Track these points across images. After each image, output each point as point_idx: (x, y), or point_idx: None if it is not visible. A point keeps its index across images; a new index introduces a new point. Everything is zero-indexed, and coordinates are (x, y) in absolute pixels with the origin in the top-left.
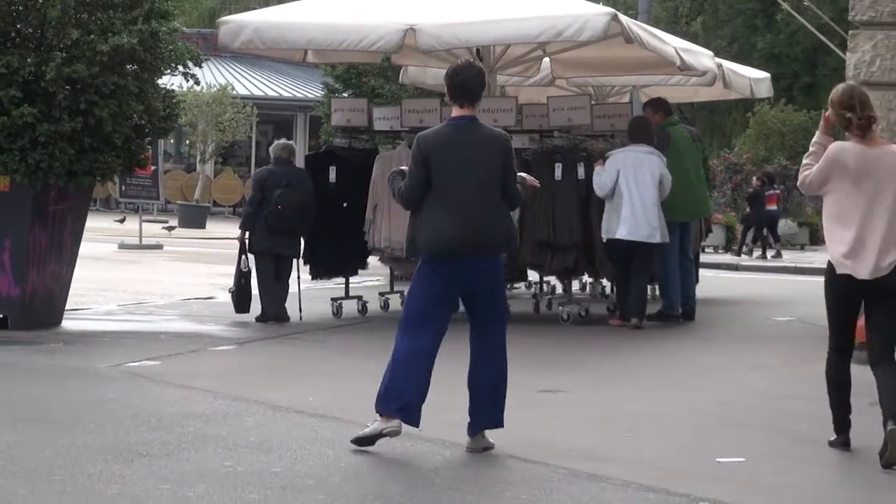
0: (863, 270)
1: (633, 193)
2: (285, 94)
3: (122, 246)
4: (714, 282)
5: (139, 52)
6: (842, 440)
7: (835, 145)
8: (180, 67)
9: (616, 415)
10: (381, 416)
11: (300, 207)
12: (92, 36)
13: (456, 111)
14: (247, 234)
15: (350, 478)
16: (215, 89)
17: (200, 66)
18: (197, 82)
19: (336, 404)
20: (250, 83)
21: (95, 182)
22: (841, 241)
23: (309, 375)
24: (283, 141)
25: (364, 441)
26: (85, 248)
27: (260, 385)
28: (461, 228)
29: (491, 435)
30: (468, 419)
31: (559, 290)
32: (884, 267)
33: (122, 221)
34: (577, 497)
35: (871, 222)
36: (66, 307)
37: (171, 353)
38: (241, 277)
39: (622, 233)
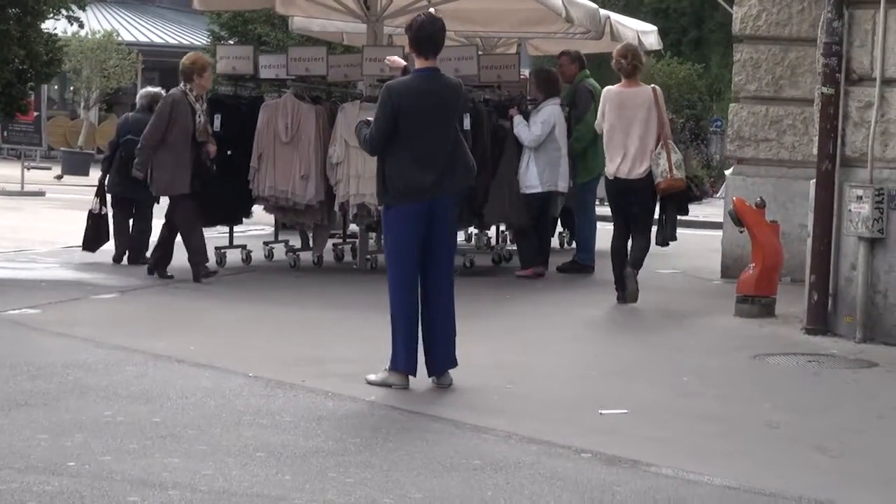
0: (623, 172)
1: (567, 147)
2: (172, 41)
3: (3, 193)
4: (601, 234)
5: None
6: (621, 295)
7: (605, 89)
8: (63, 11)
9: (500, 366)
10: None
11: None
12: None
13: (420, 62)
14: (106, 177)
15: (231, 428)
16: (100, 35)
17: (84, 10)
18: (81, 26)
19: (217, 354)
20: (136, 29)
21: None
22: (611, 156)
23: (191, 325)
24: (146, 88)
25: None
26: None
27: (142, 334)
28: (429, 171)
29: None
30: (428, 359)
31: None
32: (639, 172)
33: (59, 178)
34: (458, 447)
35: (628, 141)
36: None
37: (52, 301)
38: (90, 218)
39: (563, 186)
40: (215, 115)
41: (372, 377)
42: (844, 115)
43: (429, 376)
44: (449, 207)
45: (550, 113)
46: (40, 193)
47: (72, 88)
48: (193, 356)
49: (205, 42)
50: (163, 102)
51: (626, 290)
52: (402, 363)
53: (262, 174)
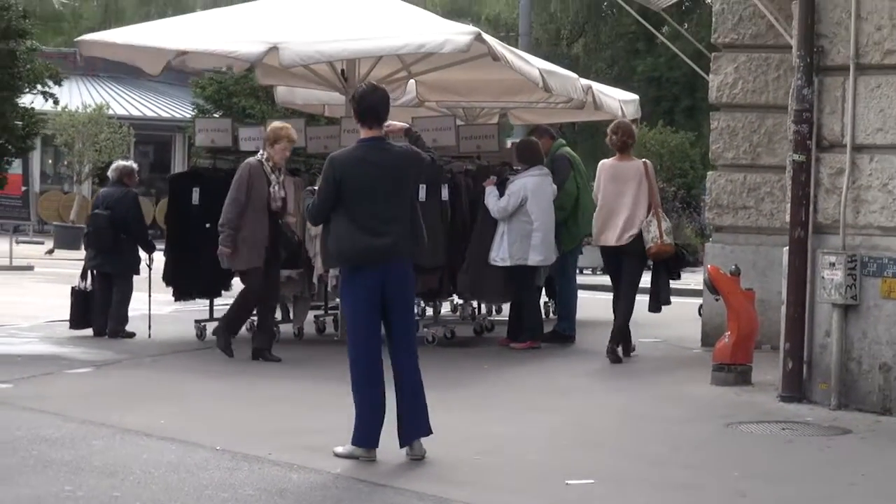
0: (612, 240)
1: (542, 219)
2: (164, 114)
3: None
4: (590, 303)
5: None
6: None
7: (601, 163)
8: (39, 87)
9: (471, 438)
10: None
11: (107, 227)
12: None
13: (365, 132)
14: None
15: (190, 502)
16: (91, 109)
17: (60, 85)
18: (56, 102)
19: (186, 427)
20: (128, 103)
21: None
22: (601, 224)
23: (163, 398)
24: (117, 161)
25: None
26: None
27: (112, 408)
28: (369, 238)
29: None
30: (399, 430)
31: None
32: (625, 238)
33: (51, 252)
34: None
35: (617, 209)
36: None
37: (25, 376)
38: (73, 295)
39: (536, 259)
40: (193, 189)
41: (339, 449)
42: (816, 181)
43: (400, 447)
44: (404, 274)
45: (522, 185)
46: (29, 268)
47: (65, 162)
48: (162, 430)
49: (190, 115)
50: (239, 171)
51: (609, 350)
52: (361, 437)
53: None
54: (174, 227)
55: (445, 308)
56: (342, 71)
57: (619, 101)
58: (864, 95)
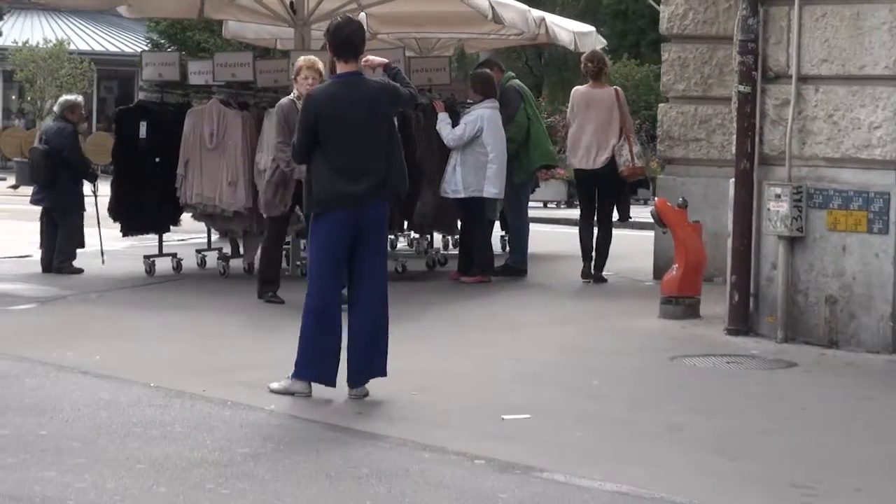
0: (587, 163)
1: (497, 151)
2: (127, 49)
3: None
4: (550, 236)
5: None
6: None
7: (574, 89)
8: None
9: (410, 373)
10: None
11: (42, 162)
12: None
13: (341, 67)
14: None
15: (117, 440)
16: (51, 44)
17: (2, 19)
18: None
19: (122, 364)
20: (90, 38)
21: None
22: (576, 149)
23: (105, 334)
24: (62, 97)
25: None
26: None
27: (50, 345)
28: (354, 180)
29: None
30: (349, 368)
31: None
32: (599, 161)
33: (15, 188)
34: (349, 456)
35: (590, 134)
36: None
37: None
38: None
39: (491, 191)
40: (141, 123)
41: (275, 385)
42: (762, 113)
43: (349, 387)
44: (379, 217)
45: (479, 115)
46: None
47: (28, 98)
48: (98, 367)
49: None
50: (275, 115)
51: (592, 273)
52: (305, 371)
53: (189, 181)
54: (121, 161)
55: (402, 243)
56: (291, 4)
57: (573, 32)
58: (809, 25)
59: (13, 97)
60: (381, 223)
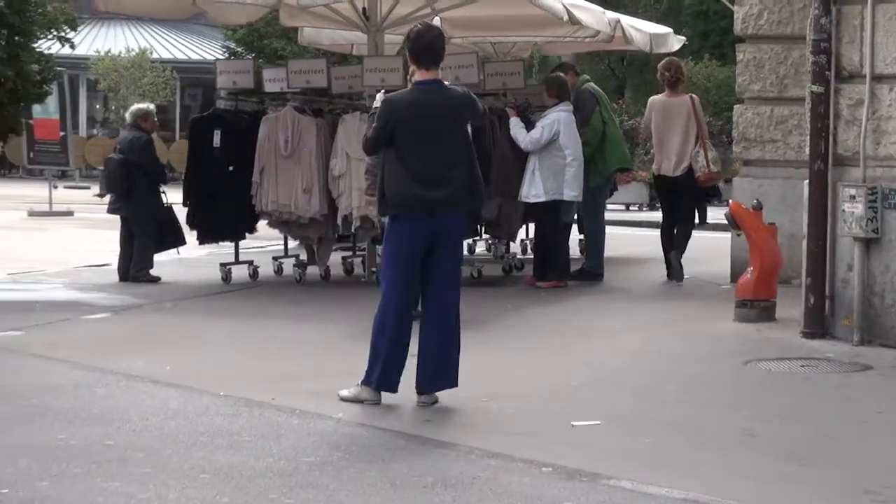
0: (667, 170)
1: (574, 154)
2: (209, 57)
3: (32, 213)
4: (630, 239)
5: (7, 15)
6: (670, 273)
7: (651, 99)
8: (54, 31)
9: (480, 379)
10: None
11: (118, 171)
12: None
13: (421, 74)
14: None
15: (182, 450)
16: (133, 53)
17: (75, 31)
18: (73, 47)
19: (192, 373)
20: (172, 46)
21: None
22: (657, 156)
23: (175, 344)
24: (133, 105)
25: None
26: None
27: (122, 354)
28: (430, 187)
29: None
30: (419, 375)
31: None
32: (679, 170)
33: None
34: (415, 464)
35: (668, 142)
36: None
37: (40, 323)
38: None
39: (571, 194)
40: (215, 132)
41: (344, 392)
42: (835, 113)
43: (417, 394)
44: (455, 227)
45: (555, 119)
46: (69, 213)
47: (112, 107)
48: (168, 376)
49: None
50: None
51: (672, 269)
52: (376, 379)
53: (265, 189)
54: (195, 170)
55: (481, 247)
56: (363, 9)
57: (649, 34)
58: (882, 24)
59: (97, 106)
60: (457, 234)
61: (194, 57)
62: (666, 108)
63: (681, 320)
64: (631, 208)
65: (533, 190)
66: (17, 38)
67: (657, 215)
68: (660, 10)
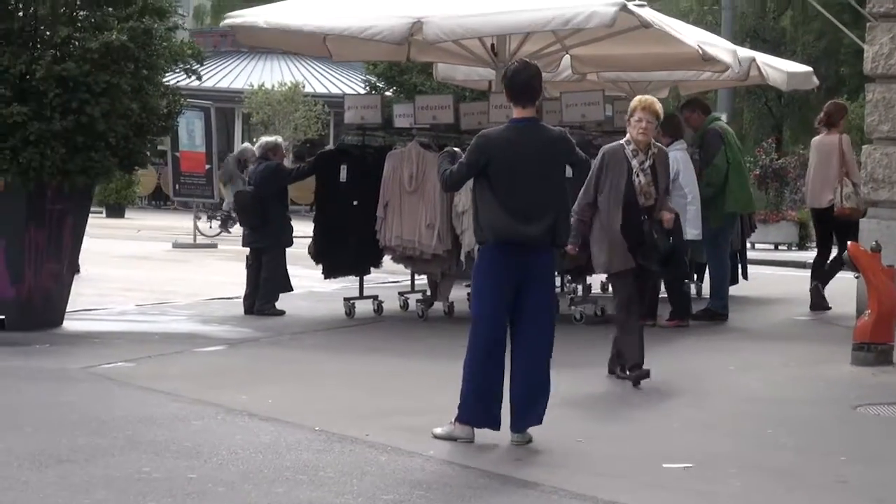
0: (816, 203)
1: (694, 192)
2: (362, 90)
3: (176, 245)
4: (773, 279)
5: (132, 49)
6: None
7: (813, 140)
8: (181, 64)
9: (578, 419)
10: (457, 422)
11: (248, 204)
12: (83, 34)
13: (517, 112)
14: None
15: (264, 484)
16: (286, 87)
17: (202, 64)
18: (199, 79)
19: (294, 407)
20: (326, 80)
21: (91, 181)
22: (809, 190)
23: (283, 378)
24: (262, 138)
25: (441, 438)
26: (139, 247)
27: (227, 387)
28: (523, 223)
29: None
30: (511, 413)
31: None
32: (825, 202)
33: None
34: None
35: (818, 178)
36: (84, 307)
37: (153, 355)
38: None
39: (692, 233)
40: (341, 166)
41: (438, 430)
42: None
43: (511, 433)
44: (546, 263)
45: (673, 158)
46: (212, 245)
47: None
48: (268, 410)
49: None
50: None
51: (812, 300)
52: (468, 415)
53: (389, 223)
54: (322, 203)
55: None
56: (492, 46)
57: (786, 72)
58: None
59: (253, 140)
60: (549, 269)
61: (347, 91)
62: (818, 147)
63: (796, 362)
64: (780, 248)
65: None
66: (143, 71)
67: (806, 255)
68: (819, 48)
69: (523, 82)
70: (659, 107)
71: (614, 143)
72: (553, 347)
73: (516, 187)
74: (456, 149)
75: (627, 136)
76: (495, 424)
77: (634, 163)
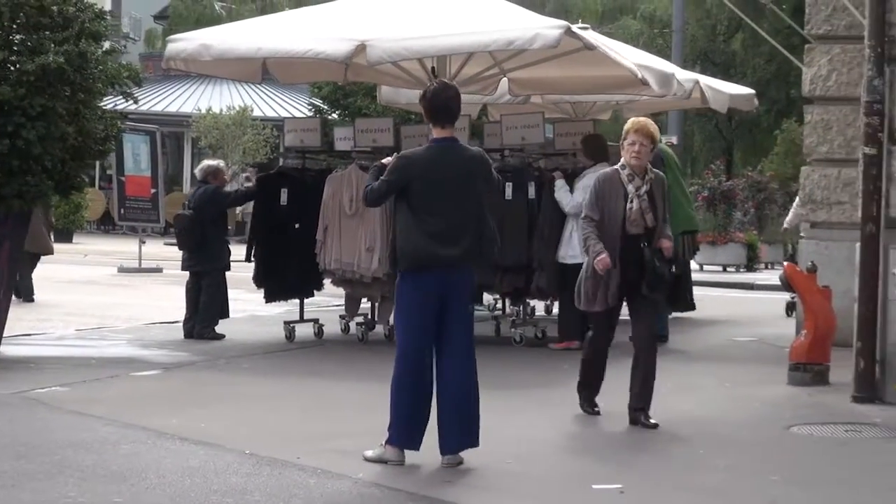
0: None
1: None
2: (309, 114)
3: (121, 269)
4: (718, 301)
5: (69, 72)
6: None
7: None
8: (117, 87)
9: (511, 442)
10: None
11: (187, 227)
12: (19, 57)
13: (437, 132)
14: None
15: None
16: (234, 111)
17: (140, 86)
18: (136, 102)
19: (226, 431)
20: (274, 104)
21: (27, 206)
22: None
23: (216, 401)
24: (203, 162)
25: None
26: (83, 271)
27: (160, 411)
28: (442, 245)
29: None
30: (440, 435)
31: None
32: None
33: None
34: None
35: None
36: (23, 332)
37: (88, 379)
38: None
39: None
40: (281, 190)
41: (369, 453)
42: (888, 175)
43: (441, 454)
44: (465, 282)
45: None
46: (157, 270)
47: None
48: (199, 433)
49: (334, 116)
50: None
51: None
52: (395, 437)
53: (328, 247)
54: (262, 227)
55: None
56: (433, 69)
57: (728, 94)
58: None
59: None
60: (467, 288)
61: (296, 114)
62: None
63: (732, 383)
64: (728, 269)
65: (570, 251)
66: (80, 94)
67: (753, 276)
68: (770, 71)
69: (443, 102)
70: (654, 128)
71: (608, 169)
72: (477, 367)
73: (437, 207)
74: (386, 159)
75: (622, 160)
76: (416, 447)
77: (630, 188)
